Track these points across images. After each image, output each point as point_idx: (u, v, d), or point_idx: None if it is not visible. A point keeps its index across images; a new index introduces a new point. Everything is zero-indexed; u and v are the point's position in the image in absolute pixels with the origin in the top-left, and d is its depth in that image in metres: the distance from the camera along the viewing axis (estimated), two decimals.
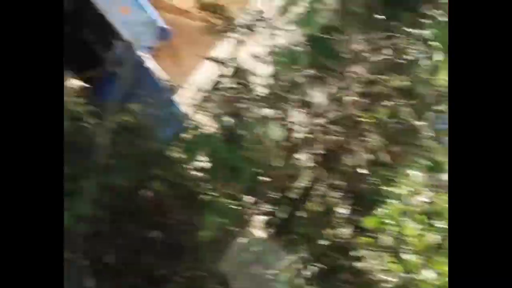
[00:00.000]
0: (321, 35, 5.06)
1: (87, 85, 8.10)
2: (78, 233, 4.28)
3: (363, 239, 4.78)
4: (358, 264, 4.59)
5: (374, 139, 4.55)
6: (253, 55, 6.46)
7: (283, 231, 5.04)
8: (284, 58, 4.61)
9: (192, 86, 7.89)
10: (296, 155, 5.23)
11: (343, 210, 5.21)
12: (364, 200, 5.06)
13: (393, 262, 4.56)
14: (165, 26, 9.34)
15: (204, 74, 7.79)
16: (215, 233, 4.30)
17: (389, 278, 4.50)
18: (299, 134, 4.79)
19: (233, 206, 4.58)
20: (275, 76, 5.26)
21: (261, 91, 5.82)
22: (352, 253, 4.65)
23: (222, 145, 4.68)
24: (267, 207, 5.25)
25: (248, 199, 4.47)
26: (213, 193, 4.64)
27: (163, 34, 9.32)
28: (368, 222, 4.83)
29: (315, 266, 4.72)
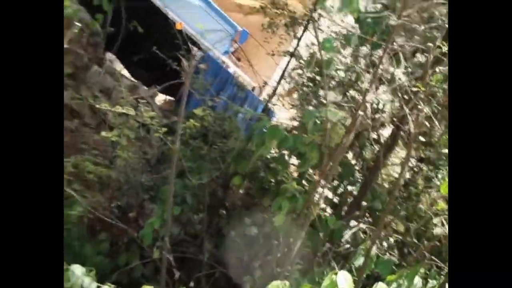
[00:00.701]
0: (371, 13, 5.18)
1: (171, 98, 8.72)
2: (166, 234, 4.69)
3: (440, 205, 4.85)
4: (437, 230, 4.66)
5: (432, 106, 4.62)
6: (314, 44, 6.70)
7: (357, 206, 5.24)
8: (332, 44, 4.77)
9: (269, 81, 8.23)
10: (366, 132, 5.42)
11: (414, 180, 5.32)
12: (434, 166, 5.14)
13: None
14: (241, 28, 9.79)
15: (278, 68, 8.12)
16: (288, 217, 4.57)
17: None
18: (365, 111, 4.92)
19: (304, 189, 4.84)
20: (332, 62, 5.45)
21: (328, 77, 6.05)
22: (428, 220, 4.74)
23: (288, 134, 4.91)
24: (339, 187, 5.49)
25: (318, 181, 4.67)
26: (285, 180, 4.91)
27: (240, 36, 9.77)
28: (443, 188, 4.90)
29: (392, 237, 4.87)
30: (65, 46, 4.20)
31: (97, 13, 7.30)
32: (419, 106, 4.37)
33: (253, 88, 8.80)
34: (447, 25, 4.71)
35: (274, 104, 7.41)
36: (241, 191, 5.63)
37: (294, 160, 5.39)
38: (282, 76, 6.94)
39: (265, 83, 7.93)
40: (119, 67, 9.33)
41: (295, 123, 6.29)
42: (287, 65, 7.05)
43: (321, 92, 6.50)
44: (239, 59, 9.96)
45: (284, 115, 7.59)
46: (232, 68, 9.26)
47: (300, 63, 6.80)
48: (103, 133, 5.39)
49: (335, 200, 5.58)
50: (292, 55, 7.16)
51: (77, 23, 4.17)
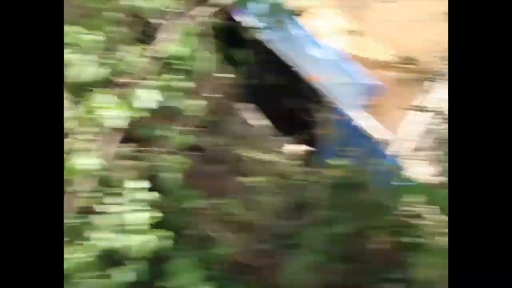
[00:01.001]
0: None
1: (304, 149, 8.89)
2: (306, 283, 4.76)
3: None
4: None
5: None
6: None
7: None
8: None
9: (403, 136, 8.18)
10: None
11: None
12: None
13: None
14: (375, 82, 9.84)
15: (412, 123, 8.06)
16: (430, 272, 4.51)
17: None
18: None
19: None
20: None
21: None
22: None
23: (431, 190, 4.88)
24: None
25: None
26: (426, 235, 4.86)
27: (374, 90, 9.82)
28: None
29: None
30: (209, 95, 4.54)
31: (237, 65, 7.73)
32: None
33: (384, 142, 8.78)
34: None
35: (406, 159, 7.36)
36: (381, 244, 5.60)
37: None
38: (416, 131, 6.92)
39: (397, 137, 7.92)
40: (252, 116, 9.68)
41: (433, 178, 6.19)
42: (421, 119, 7.03)
43: None
44: (370, 113, 10.01)
45: (416, 169, 7.50)
46: (363, 121, 9.32)
47: (434, 118, 6.76)
48: (248, 178, 5.62)
49: None
50: (424, 110, 7.14)
51: (221, 75, 4.49)
